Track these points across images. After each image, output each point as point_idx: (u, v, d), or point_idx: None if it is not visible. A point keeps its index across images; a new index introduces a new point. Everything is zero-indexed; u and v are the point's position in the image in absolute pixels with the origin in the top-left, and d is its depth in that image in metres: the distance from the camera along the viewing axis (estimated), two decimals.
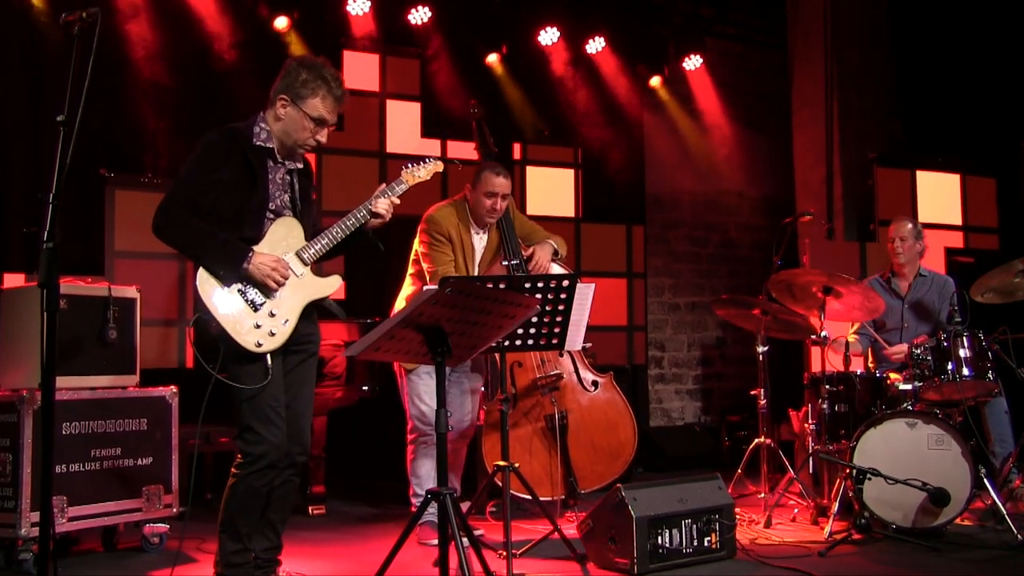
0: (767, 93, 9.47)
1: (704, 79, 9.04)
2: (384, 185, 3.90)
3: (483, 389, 5.46)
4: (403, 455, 5.19)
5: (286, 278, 3.62)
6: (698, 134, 9.23)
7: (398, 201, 3.86)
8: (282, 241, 3.69)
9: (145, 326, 4.98)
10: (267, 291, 3.60)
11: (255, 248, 3.60)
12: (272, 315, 3.61)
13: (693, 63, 8.78)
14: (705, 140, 9.28)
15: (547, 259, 5.17)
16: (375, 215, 3.79)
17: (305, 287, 3.71)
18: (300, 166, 3.82)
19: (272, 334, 3.60)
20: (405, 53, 7.71)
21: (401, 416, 5.21)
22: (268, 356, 3.59)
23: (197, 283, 3.55)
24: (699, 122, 9.21)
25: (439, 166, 4.06)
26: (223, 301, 3.55)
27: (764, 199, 9.55)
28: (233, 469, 3.65)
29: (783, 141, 9.20)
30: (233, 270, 3.55)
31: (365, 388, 5.99)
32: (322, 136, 3.73)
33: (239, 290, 3.57)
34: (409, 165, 3.99)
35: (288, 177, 3.78)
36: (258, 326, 3.58)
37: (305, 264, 3.71)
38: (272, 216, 3.69)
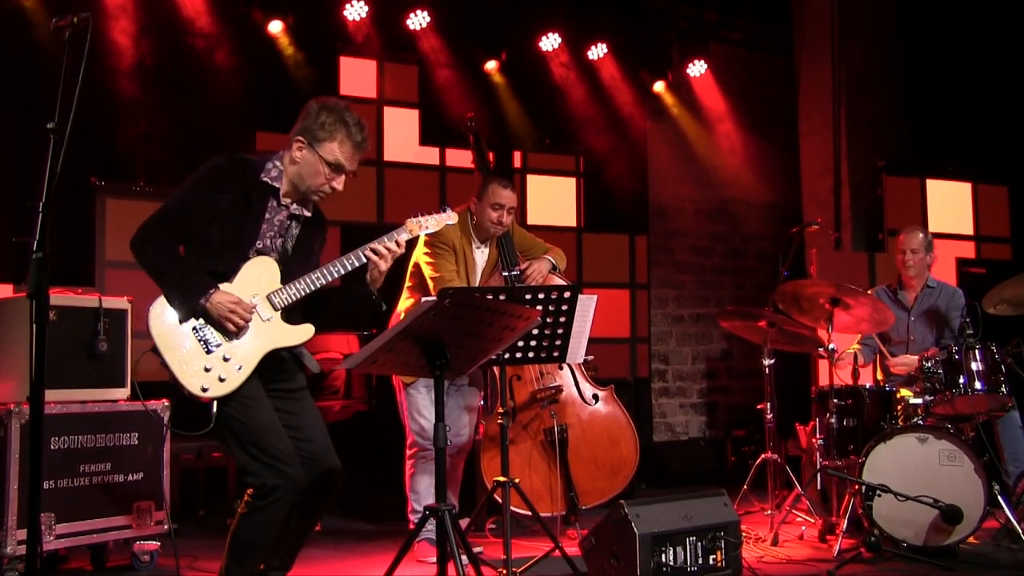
0: (773, 100, 9.48)
1: (709, 85, 9.06)
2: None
3: (482, 403, 5.46)
4: (401, 470, 5.19)
5: (247, 321, 3.45)
6: (702, 142, 9.24)
7: (399, 249, 3.61)
8: (254, 281, 3.51)
9: (136, 338, 4.97)
10: (226, 332, 3.44)
11: (223, 286, 3.45)
12: (226, 360, 3.43)
13: (697, 69, 8.80)
14: (710, 148, 9.29)
15: (543, 272, 5.18)
16: (374, 259, 3.57)
17: (270, 333, 3.52)
18: (308, 215, 3.67)
19: (221, 380, 3.41)
20: (403, 59, 7.73)
21: (398, 430, 5.21)
22: (214, 404, 3.41)
23: (150, 314, 3.41)
24: (703, 129, 9.22)
25: (452, 217, 3.83)
26: (174, 338, 3.41)
27: (770, 208, 9.56)
28: (247, 498, 3.48)
29: (790, 149, 9.21)
30: (188, 304, 3.40)
31: (363, 401, 5.98)
32: (338, 184, 3.58)
33: (193, 328, 3.42)
34: (418, 215, 3.75)
35: (288, 223, 3.64)
36: (208, 369, 3.41)
37: (275, 308, 3.53)
38: (254, 256, 3.54)
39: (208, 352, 3.43)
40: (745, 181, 9.46)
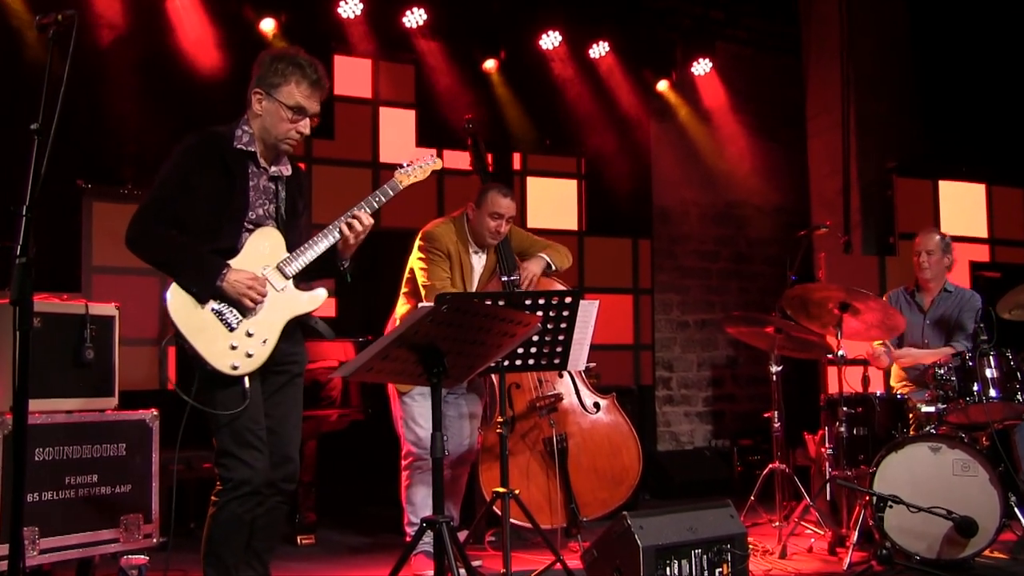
0: (780, 99, 9.48)
1: (714, 85, 9.05)
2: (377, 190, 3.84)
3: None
4: (397, 480, 5.17)
5: (263, 295, 3.56)
6: (708, 143, 9.24)
7: (368, 221, 3.72)
8: (262, 254, 3.63)
9: (124, 345, 4.96)
10: (243, 309, 3.54)
11: (232, 262, 3.55)
12: (249, 335, 3.54)
13: (702, 68, 8.79)
14: (715, 149, 9.29)
15: (535, 273, 5.15)
16: (351, 228, 3.68)
17: (286, 303, 3.65)
18: (288, 173, 3.76)
19: (249, 355, 3.53)
20: (399, 58, 7.73)
21: (394, 440, 5.19)
22: (245, 379, 3.53)
23: (168, 301, 3.49)
24: (709, 130, 9.21)
25: (437, 164, 4.03)
26: (196, 320, 3.49)
27: (777, 211, 9.55)
28: (213, 497, 3.60)
29: (797, 150, 9.21)
30: (206, 287, 3.49)
31: (359, 411, 5.96)
32: (304, 127, 3.66)
33: (213, 309, 3.52)
34: (403, 165, 3.96)
35: (272, 185, 3.72)
36: (233, 347, 3.51)
37: (286, 278, 3.65)
38: (251, 227, 3.64)
39: (231, 330, 3.52)
40: (751, 183, 9.46)
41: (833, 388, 6.08)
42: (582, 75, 8.45)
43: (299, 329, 3.77)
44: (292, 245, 3.69)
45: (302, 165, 3.92)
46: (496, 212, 5.04)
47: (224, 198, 3.59)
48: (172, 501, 3.69)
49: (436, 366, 3.36)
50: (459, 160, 7.52)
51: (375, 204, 3.79)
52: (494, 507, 4.46)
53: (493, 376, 5.01)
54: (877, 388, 5.84)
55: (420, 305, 4.65)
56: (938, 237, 6.12)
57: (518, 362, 4.29)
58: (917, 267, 6.11)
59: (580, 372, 5.29)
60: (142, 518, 4.79)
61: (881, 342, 5.96)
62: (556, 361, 4.32)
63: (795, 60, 9.29)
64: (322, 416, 5.73)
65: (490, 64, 7.99)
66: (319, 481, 6.02)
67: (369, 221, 3.72)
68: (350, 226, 3.68)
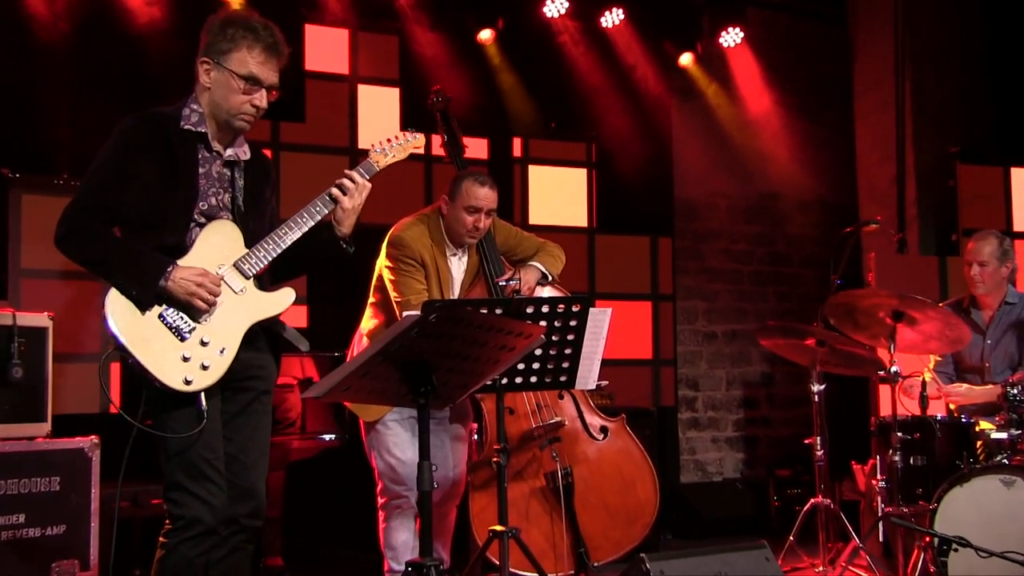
0: (823, 75, 9.50)
1: (746, 58, 9.04)
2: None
3: (475, 437, 5.43)
4: (376, 518, 5.14)
5: (216, 295, 3.50)
6: (738, 125, 9.24)
7: (367, 183, 3.83)
8: (216, 250, 3.58)
9: (59, 362, 4.94)
10: (194, 313, 3.49)
11: (180, 261, 3.49)
12: (204, 343, 3.48)
13: (732, 38, 8.76)
14: (747, 133, 9.29)
15: (530, 284, 5.10)
16: (339, 196, 3.75)
17: (247, 305, 3.60)
18: (246, 157, 3.74)
19: (205, 367, 3.47)
20: (381, 27, 7.71)
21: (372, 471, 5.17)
22: (202, 396, 3.48)
23: (106, 308, 3.43)
24: (739, 111, 9.21)
25: (418, 141, 4.04)
26: (140, 330, 3.42)
27: (820, 204, 9.56)
28: (161, 538, 3.54)
29: (843, 133, 9.21)
30: (148, 288, 3.43)
31: (331, 436, 5.94)
32: (260, 100, 3.64)
33: (159, 315, 3.45)
34: (379, 144, 3.97)
35: (228, 171, 3.69)
36: (186, 359, 3.45)
37: (246, 277, 3.60)
38: (203, 219, 3.59)
39: (182, 339, 3.46)
40: (789, 172, 9.44)
41: (886, 410, 6.07)
42: (592, 47, 8.42)
43: (265, 338, 3.72)
44: (254, 239, 3.65)
45: (267, 152, 3.88)
46: (473, 206, 4.94)
47: (169, 187, 3.54)
48: (112, 544, 3.66)
49: (424, 384, 3.33)
50: None
51: (347, 184, 3.80)
52: (491, 548, 4.43)
53: (481, 402, 4.98)
54: (938, 410, 5.79)
55: (405, 314, 4.61)
56: (995, 242, 5.97)
57: (519, 380, 4.25)
58: (969, 280, 6.04)
59: (584, 392, 5.26)
60: (78, 565, 4.77)
61: (931, 371, 5.91)
62: (563, 379, 4.30)
63: (840, 29, 9.29)
64: (281, 443, 5.69)
65: (486, 35, 7.97)
66: (287, 518, 5.99)
67: (363, 181, 3.81)
68: (343, 189, 3.74)
